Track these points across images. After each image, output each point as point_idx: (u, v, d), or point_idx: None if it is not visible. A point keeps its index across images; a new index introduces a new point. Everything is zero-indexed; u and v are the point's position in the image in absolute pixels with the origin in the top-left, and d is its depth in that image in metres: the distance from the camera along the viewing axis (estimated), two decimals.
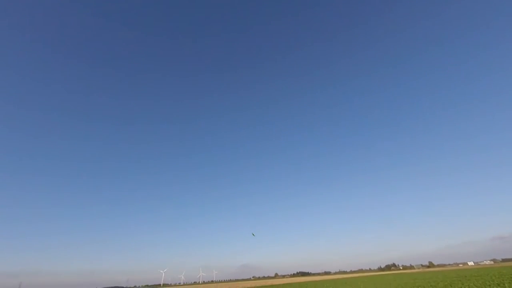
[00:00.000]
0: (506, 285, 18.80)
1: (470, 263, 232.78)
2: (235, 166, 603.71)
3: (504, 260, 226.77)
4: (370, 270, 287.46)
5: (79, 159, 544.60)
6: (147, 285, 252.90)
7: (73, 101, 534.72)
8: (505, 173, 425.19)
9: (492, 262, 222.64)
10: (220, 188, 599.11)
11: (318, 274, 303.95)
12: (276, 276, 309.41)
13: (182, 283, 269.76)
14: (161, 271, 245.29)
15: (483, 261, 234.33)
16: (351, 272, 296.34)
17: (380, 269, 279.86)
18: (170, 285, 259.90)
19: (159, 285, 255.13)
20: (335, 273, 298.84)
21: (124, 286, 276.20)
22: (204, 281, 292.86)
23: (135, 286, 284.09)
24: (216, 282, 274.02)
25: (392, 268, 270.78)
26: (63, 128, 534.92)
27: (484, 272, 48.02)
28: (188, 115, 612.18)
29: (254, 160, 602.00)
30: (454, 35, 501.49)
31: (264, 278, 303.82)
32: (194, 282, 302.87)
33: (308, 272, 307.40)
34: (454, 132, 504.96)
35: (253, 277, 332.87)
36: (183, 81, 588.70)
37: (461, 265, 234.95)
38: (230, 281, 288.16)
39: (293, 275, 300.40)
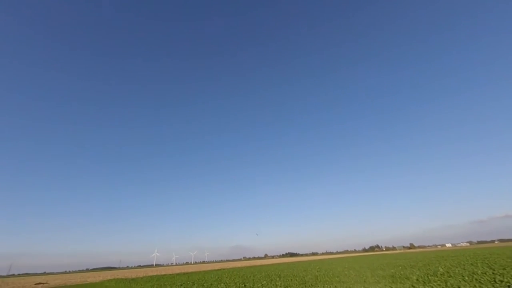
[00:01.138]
0: (478, 264, 20.03)
1: (448, 245, 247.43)
2: (226, 152, 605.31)
3: (479, 242, 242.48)
4: (355, 251, 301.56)
5: (70, 144, 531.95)
6: (140, 266, 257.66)
7: (64, 88, 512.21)
8: (489, 162, 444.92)
9: (468, 244, 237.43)
10: (212, 173, 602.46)
11: (306, 254, 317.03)
12: (266, 256, 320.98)
13: (174, 264, 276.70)
14: (155, 253, 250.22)
15: (460, 243, 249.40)
16: (337, 253, 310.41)
17: (364, 250, 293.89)
18: (163, 265, 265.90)
19: (152, 265, 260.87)
20: (322, 254, 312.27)
21: (117, 267, 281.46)
22: (196, 262, 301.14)
23: (127, 267, 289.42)
24: (208, 262, 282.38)
25: (376, 249, 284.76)
26: (50, 116, 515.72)
27: (460, 253, 51.12)
28: (181, 101, 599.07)
29: (245, 146, 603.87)
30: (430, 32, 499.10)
31: (254, 258, 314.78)
32: (186, 262, 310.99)
33: (296, 253, 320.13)
34: (437, 124, 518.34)
35: (243, 257, 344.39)
36: (180, 66, 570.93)
37: (439, 246, 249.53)
38: (221, 261, 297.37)
39: (282, 256, 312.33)
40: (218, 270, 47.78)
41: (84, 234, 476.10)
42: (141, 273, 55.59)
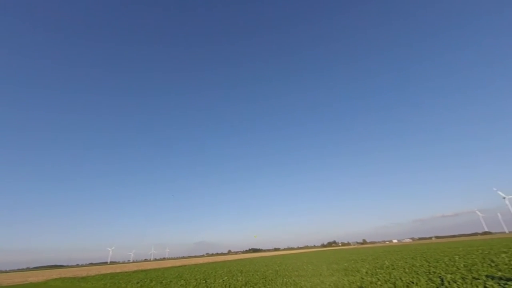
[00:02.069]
0: (418, 258, 22.68)
1: (395, 241, 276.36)
2: (189, 147, 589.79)
3: (420, 239, 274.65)
4: (314, 246, 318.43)
5: (13, 129, 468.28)
6: (92, 263, 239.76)
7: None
8: (431, 167, 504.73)
9: (411, 240, 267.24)
10: (175, 168, 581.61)
11: (269, 250, 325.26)
12: (229, 252, 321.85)
13: (131, 261, 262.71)
14: (111, 249, 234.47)
15: (404, 239, 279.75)
16: (298, 248, 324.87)
17: (323, 245, 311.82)
18: (118, 263, 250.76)
19: (106, 262, 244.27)
20: (284, 249, 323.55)
21: (65, 265, 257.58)
22: (155, 259, 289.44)
23: (77, 265, 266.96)
24: (169, 259, 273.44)
25: (333, 244, 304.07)
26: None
27: (404, 248, 57.23)
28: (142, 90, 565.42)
29: (207, 141, 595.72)
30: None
31: (217, 254, 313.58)
32: (145, 259, 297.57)
33: (259, 249, 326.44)
34: (386, 130, 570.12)
35: (206, 253, 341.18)
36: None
37: (387, 242, 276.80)
38: (183, 258, 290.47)
39: (246, 252, 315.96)
40: (179, 266, 46.62)
41: (25, 229, 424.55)
42: (93, 271, 51.56)
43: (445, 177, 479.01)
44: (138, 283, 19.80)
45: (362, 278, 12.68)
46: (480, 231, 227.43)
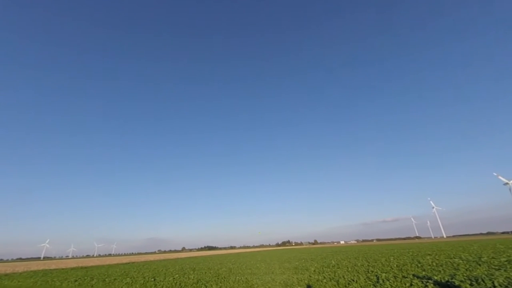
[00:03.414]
0: (360, 258, 24.87)
1: (342, 242, 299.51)
2: (146, 141, 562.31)
3: (364, 241, 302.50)
4: (269, 246, 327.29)
5: None
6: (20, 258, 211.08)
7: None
8: (375, 177, 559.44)
9: (356, 242, 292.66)
10: (129, 162, 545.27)
11: (224, 248, 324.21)
12: (183, 249, 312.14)
13: (70, 257, 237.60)
14: (46, 244, 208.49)
15: (350, 241, 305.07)
16: (254, 246, 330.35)
17: (277, 244, 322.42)
18: (54, 258, 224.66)
19: (39, 258, 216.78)
20: (240, 247, 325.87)
21: None
22: (99, 255, 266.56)
23: (1, 260, 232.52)
24: (115, 255, 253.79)
25: (287, 244, 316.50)
26: None
27: (349, 249, 62.28)
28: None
29: (166, 136, 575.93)
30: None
31: (170, 251, 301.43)
32: (87, 255, 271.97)
33: (215, 247, 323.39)
34: (344, 139, 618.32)
35: (158, 250, 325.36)
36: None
37: (336, 243, 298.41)
38: (132, 254, 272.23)
39: (201, 249, 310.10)
40: (126, 263, 43.58)
41: None
42: (20, 267, 45.10)
43: (386, 187, 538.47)
44: (76, 281, 17.98)
45: (310, 276, 13.44)
46: (412, 236, 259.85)
